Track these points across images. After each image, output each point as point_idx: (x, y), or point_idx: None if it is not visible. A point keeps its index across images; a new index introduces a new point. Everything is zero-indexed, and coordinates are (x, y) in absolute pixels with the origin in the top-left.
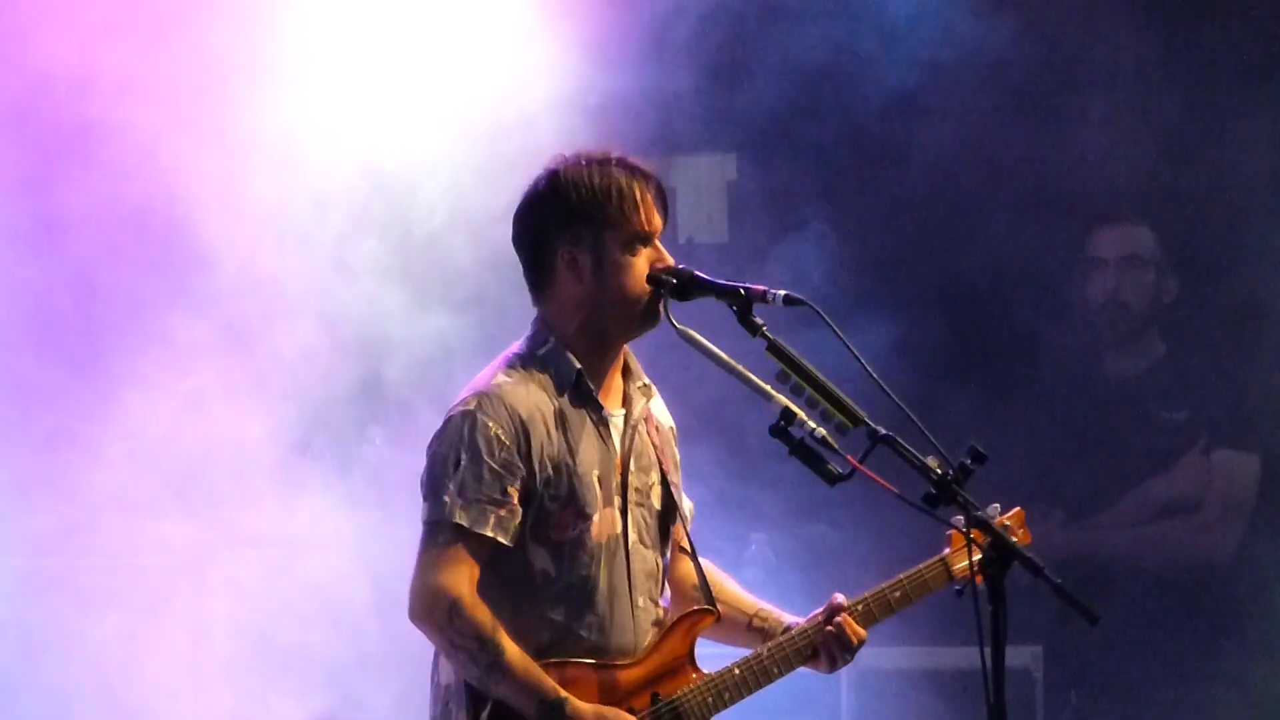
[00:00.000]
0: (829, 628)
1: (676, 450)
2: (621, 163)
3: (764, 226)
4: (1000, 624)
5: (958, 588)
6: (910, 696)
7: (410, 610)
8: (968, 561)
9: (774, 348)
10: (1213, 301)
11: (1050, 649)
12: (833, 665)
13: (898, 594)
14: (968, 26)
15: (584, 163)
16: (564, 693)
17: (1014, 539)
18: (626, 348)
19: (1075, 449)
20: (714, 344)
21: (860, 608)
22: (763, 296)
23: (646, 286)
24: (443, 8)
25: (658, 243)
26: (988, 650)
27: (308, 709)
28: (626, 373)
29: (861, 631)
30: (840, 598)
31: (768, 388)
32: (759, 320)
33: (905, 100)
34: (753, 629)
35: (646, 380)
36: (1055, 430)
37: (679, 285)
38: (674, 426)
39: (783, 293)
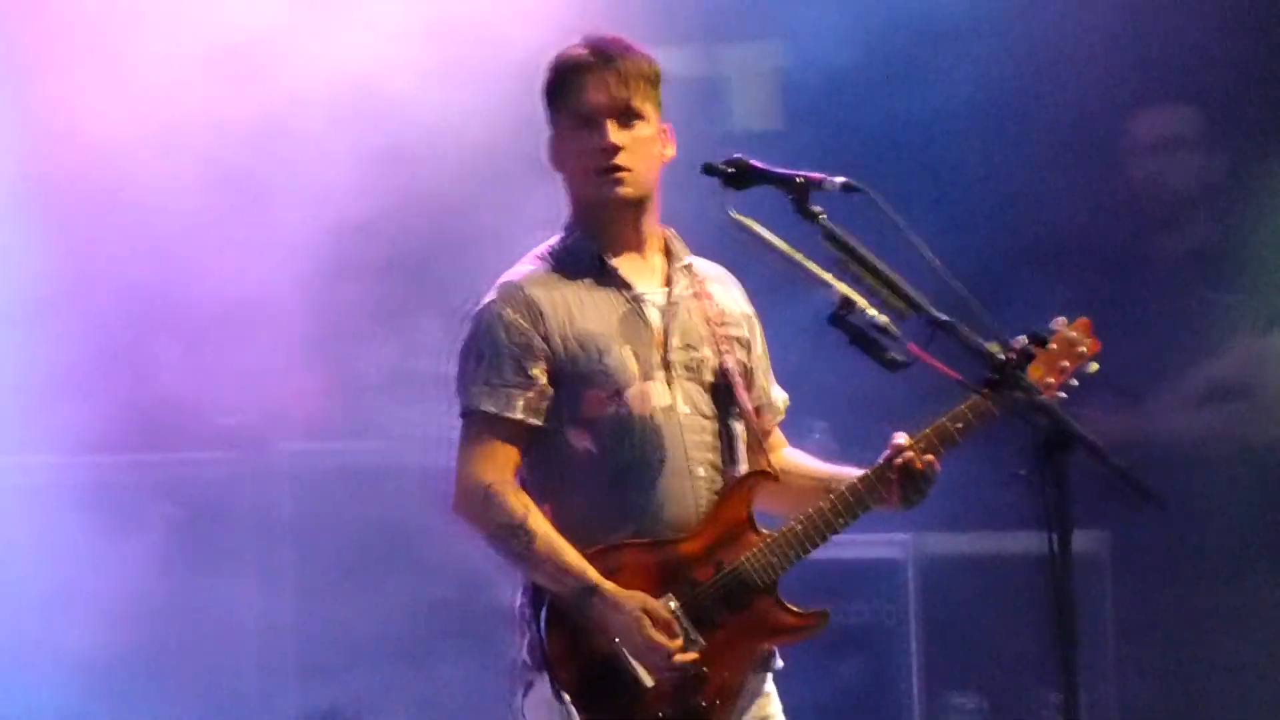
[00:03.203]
0: (898, 462)
1: (754, 337)
2: (584, 40)
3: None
4: (1065, 509)
5: (1021, 471)
6: (978, 581)
7: (452, 502)
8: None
9: (831, 236)
10: (1262, 181)
11: (1118, 534)
12: (905, 501)
13: (959, 425)
14: None
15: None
16: (595, 577)
17: (1084, 349)
18: (669, 230)
19: (1123, 331)
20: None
21: (922, 444)
22: (820, 184)
23: (586, 168)
24: None
25: (608, 123)
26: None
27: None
28: (669, 255)
29: (930, 458)
30: (901, 436)
31: (826, 275)
32: (816, 208)
33: None
34: (830, 491)
35: (690, 260)
36: (1103, 312)
37: (734, 174)
38: (751, 314)
39: (840, 180)
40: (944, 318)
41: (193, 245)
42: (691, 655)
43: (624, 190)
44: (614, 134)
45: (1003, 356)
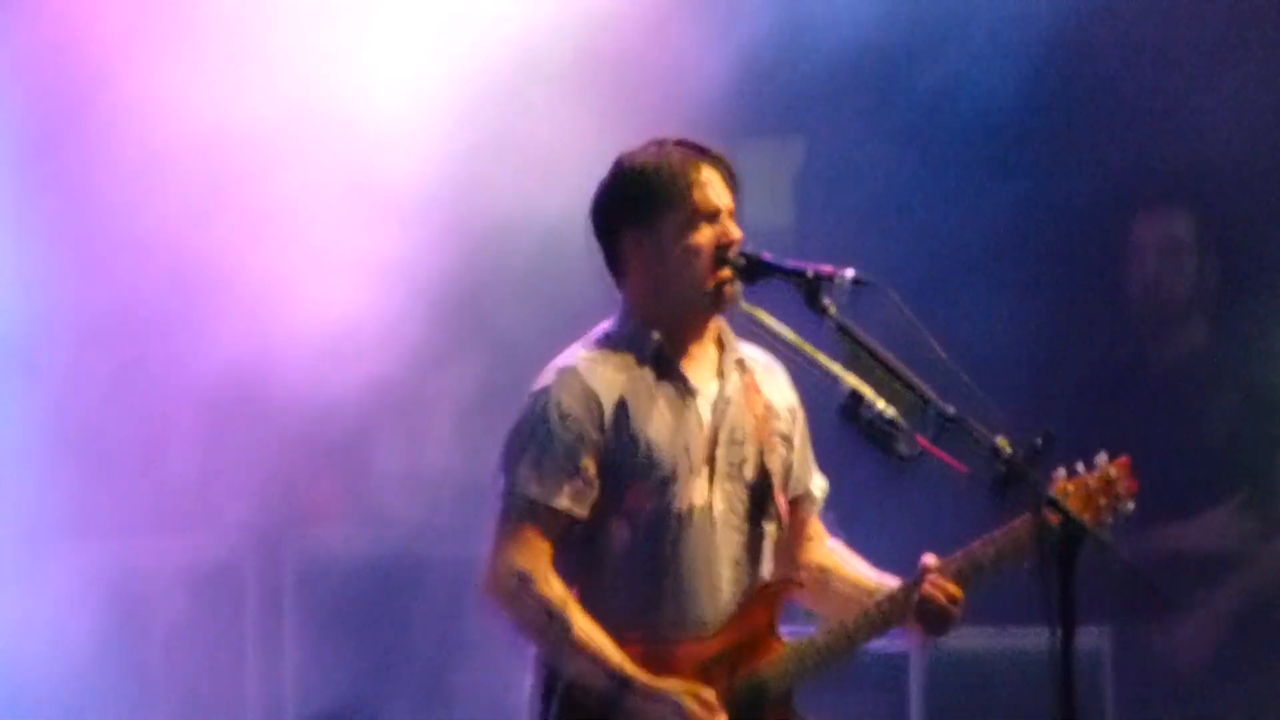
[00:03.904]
0: (920, 590)
1: (795, 429)
2: (679, 143)
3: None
4: (1070, 605)
5: (1028, 565)
6: (982, 676)
7: (483, 584)
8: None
9: (842, 330)
10: (1258, 283)
11: (1120, 631)
12: (928, 630)
13: (991, 552)
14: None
15: (644, 148)
16: (631, 668)
17: (1121, 489)
18: (722, 323)
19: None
20: (782, 324)
21: (952, 569)
22: (830, 278)
23: (709, 263)
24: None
25: (726, 219)
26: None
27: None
28: (722, 347)
29: (954, 590)
30: (930, 559)
31: (836, 368)
32: (827, 302)
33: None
34: (860, 604)
35: (743, 355)
36: (1099, 424)
37: (745, 267)
38: (795, 405)
39: (851, 273)
40: (952, 412)
41: (209, 330)
42: None
43: (735, 290)
44: (733, 230)
45: (1010, 450)
